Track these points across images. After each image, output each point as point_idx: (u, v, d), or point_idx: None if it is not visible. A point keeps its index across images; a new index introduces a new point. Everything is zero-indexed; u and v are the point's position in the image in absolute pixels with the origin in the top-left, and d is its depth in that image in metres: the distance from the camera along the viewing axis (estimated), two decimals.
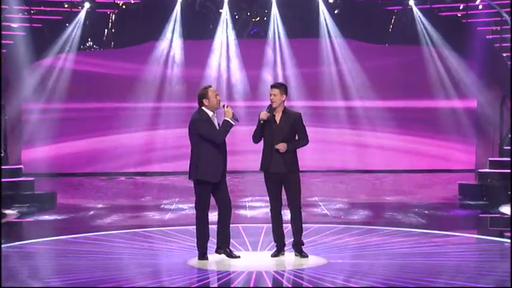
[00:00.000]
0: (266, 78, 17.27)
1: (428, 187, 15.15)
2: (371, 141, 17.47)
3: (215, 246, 7.73)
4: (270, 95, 7.73)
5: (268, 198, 7.80)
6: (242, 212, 11.50)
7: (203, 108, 7.62)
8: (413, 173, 16.94)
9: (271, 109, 7.69)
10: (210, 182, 7.52)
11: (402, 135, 17.44)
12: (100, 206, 12.54)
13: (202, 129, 7.53)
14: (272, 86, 7.81)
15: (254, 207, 12.12)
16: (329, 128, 17.40)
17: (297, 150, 7.79)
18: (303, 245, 7.75)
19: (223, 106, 7.60)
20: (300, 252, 7.71)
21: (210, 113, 7.61)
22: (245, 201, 12.50)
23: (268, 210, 7.89)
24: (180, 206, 12.33)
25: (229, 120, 7.55)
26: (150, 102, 17.39)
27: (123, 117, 17.28)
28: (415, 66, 17.25)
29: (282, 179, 7.69)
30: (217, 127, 7.58)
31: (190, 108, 16.98)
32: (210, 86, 7.72)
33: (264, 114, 7.67)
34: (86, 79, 17.13)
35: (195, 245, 7.65)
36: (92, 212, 11.78)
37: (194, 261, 7.55)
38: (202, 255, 7.60)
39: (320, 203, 12.39)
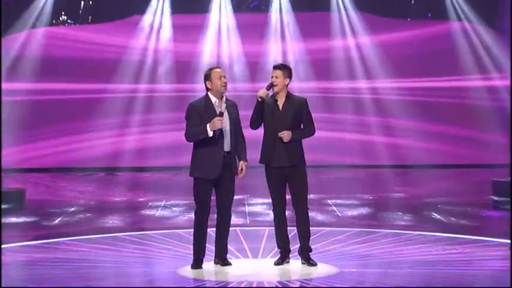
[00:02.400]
0: (267, 59, 17.31)
1: (456, 184, 15.20)
2: (388, 130, 17.53)
3: (213, 255, 7.79)
4: (272, 77, 7.79)
5: (270, 197, 7.83)
6: (240, 213, 11.55)
7: (208, 93, 7.65)
8: (438, 169, 16.99)
9: (272, 87, 7.72)
10: (207, 180, 7.56)
11: (425, 123, 17.49)
12: (76, 206, 12.58)
13: (186, 118, 7.58)
14: (274, 67, 7.86)
15: (254, 207, 12.17)
16: (340, 115, 17.46)
17: (303, 141, 7.83)
18: (311, 251, 7.79)
19: (219, 113, 7.48)
20: (307, 259, 7.75)
21: (214, 99, 7.61)
22: (244, 201, 12.55)
23: (270, 211, 7.93)
24: (169, 206, 12.39)
25: (208, 130, 7.44)
26: (133, 85, 17.45)
27: (102, 102, 17.34)
28: (441, 44, 17.30)
29: (286, 174, 7.73)
30: (223, 118, 7.47)
31: (181, 91, 17.43)
32: (218, 67, 7.71)
33: (263, 92, 7.70)
34: (58, 58, 17.17)
35: (191, 251, 7.69)
36: (66, 213, 11.83)
37: (185, 270, 7.60)
38: (195, 263, 7.64)
39: (330, 203, 12.45)
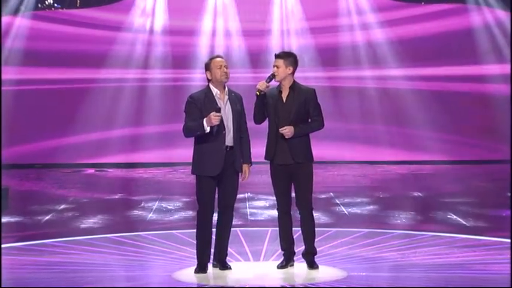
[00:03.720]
0: (270, 43, 17.35)
1: (473, 181, 15.21)
2: (400, 122, 17.56)
3: (211, 257, 7.79)
4: (273, 66, 7.77)
5: (274, 195, 7.85)
6: (241, 212, 11.56)
7: (209, 84, 7.66)
8: (454, 164, 17.01)
9: (273, 78, 7.69)
10: (209, 177, 7.57)
11: (441, 114, 17.50)
12: (63, 205, 12.60)
13: (185, 111, 7.59)
14: (275, 56, 7.80)
15: (255, 206, 12.18)
16: (348, 104, 17.48)
17: (310, 135, 7.81)
18: (315, 254, 7.80)
19: (216, 109, 7.45)
20: (309, 263, 7.75)
21: (215, 91, 7.61)
22: (245, 199, 12.56)
23: (274, 210, 7.93)
24: (164, 205, 12.40)
25: (205, 125, 7.43)
26: (124, 73, 17.47)
27: (91, 92, 17.35)
28: (458, 29, 17.31)
29: (291, 171, 7.73)
30: (220, 114, 7.46)
31: (177, 80, 17.45)
32: (218, 56, 7.68)
33: (261, 84, 7.67)
34: (43, 45, 17.18)
35: (188, 253, 7.70)
36: (53, 213, 11.85)
37: (181, 274, 7.62)
38: (199, 267, 7.63)
39: (338, 201, 12.46)
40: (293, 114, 7.67)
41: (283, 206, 7.78)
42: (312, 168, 7.79)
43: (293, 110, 7.68)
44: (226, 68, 7.62)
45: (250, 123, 7.78)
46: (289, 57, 7.77)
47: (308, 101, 7.72)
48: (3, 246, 9.17)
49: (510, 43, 16.11)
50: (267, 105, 7.73)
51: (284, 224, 7.80)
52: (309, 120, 7.77)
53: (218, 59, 7.66)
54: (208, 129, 7.46)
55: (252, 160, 7.77)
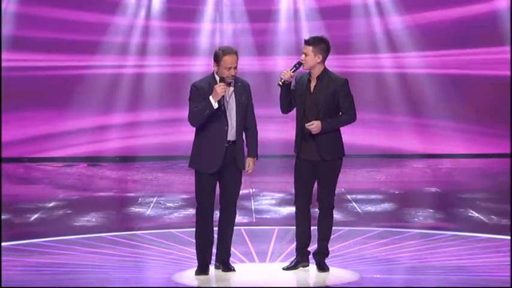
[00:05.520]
0: (281, 28, 17.38)
1: (497, 177, 15.20)
2: (418, 112, 17.56)
3: (213, 258, 7.81)
4: (302, 53, 7.66)
5: (294, 189, 7.78)
6: (246, 210, 11.57)
7: (214, 73, 7.62)
8: (475, 158, 17.00)
9: (297, 68, 7.62)
10: (209, 173, 7.58)
11: (461, 103, 17.50)
12: (53, 202, 12.63)
13: (189, 100, 7.60)
14: (305, 42, 7.68)
15: (262, 203, 12.19)
16: (363, 95, 17.48)
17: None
18: (327, 255, 7.80)
19: (219, 80, 7.46)
20: (318, 263, 7.74)
21: (218, 79, 7.58)
22: (250, 196, 12.57)
23: (281, 207, 7.93)
24: (162, 202, 12.42)
25: (212, 101, 7.44)
26: (120, 60, 17.48)
27: (84, 80, 17.37)
28: (483, 18, 17.33)
29: (316, 168, 7.67)
30: (225, 84, 7.45)
31: (175, 66, 17.45)
32: (231, 53, 7.50)
33: (285, 73, 7.61)
34: (31, 29, 17.18)
35: (187, 254, 7.72)
36: (43, 210, 11.87)
37: (180, 276, 7.64)
38: (200, 269, 7.65)
39: (350, 198, 12.47)
40: (321, 107, 7.58)
41: (301, 203, 7.74)
42: (341, 164, 7.72)
43: (320, 102, 7.59)
44: (235, 70, 7.53)
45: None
46: (319, 43, 7.63)
47: (338, 92, 7.60)
48: None
49: (510, 50, 16.21)
50: (294, 93, 7.67)
51: (302, 221, 7.75)
52: (340, 113, 7.67)
53: (230, 58, 7.50)
54: (216, 105, 7.44)
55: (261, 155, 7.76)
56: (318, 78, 7.62)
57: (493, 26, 17.32)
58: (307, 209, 7.75)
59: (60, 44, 17.24)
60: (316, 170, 7.66)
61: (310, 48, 7.60)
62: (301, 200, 7.74)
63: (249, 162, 7.71)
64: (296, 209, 7.79)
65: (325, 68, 7.66)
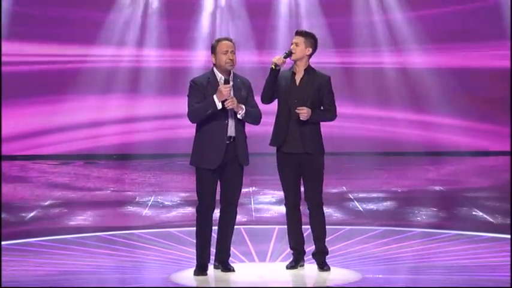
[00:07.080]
0: (279, 24, 17.39)
1: (500, 175, 15.22)
2: (420, 109, 17.57)
3: (212, 258, 7.82)
4: (292, 43, 7.78)
5: (282, 188, 7.86)
6: (245, 208, 11.58)
7: (214, 68, 7.65)
8: (480, 156, 17.00)
9: (287, 55, 7.71)
10: (210, 170, 7.58)
11: (465, 98, 17.51)
12: (49, 201, 12.64)
13: (188, 95, 7.62)
14: (296, 32, 7.86)
15: (261, 202, 12.21)
16: (366, 93, 17.50)
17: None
18: (327, 254, 7.83)
19: (224, 81, 7.47)
20: (320, 263, 7.78)
21: (219, 76, 7.58)
22: (249, 194, 12.58)
23: (281, 206, 7.95)
24: (160, 200, 12.43)
25: (216, 101, 7.46)
26: (117, 50, 17.48)
27: (80, 72, 17.36)
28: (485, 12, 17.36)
29: (300, 162, 7.75)
30: (230, 85, 7.46)
31: (174, 61, 17.44)
32: (227, 39, 7.62)
33: (278, 59, 7.70)
34: (26, 21, 17.18)
35: (186, 253, 7.72)
36: (39, 209, 11.88)
37: (180, 276, 7.65)
38: (199, 269, 7.65)
39: (351, 196, 12.48)
40: (308, 98, 7.71)
41: (291, 200, 7.81)
42: (323, 160, 7.82)
43: (307, 93, 7.71)
44: (233, 54, 7.56)
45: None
46: (311, 37, 7.82)
47: (322, 88, 7.77)
48: None
49: (510, 49, 16.27)
50: (278, 87, 7.76)
51: (292, 220, 7.83)
52: (321, 108, 7.82)
53: (225, 42, 7.60)
54: (220, 105, 7.46)
55: (256, 152, 7.77)
56: (305, 71, 7.77)
57: (497, 19, 17.34)
58: (297, 206, 7.83)
59: (55, 37, 17.23)
60: (301, 166, 7.74)
61: (302, 39, 7.79)
62: (290, 198, 7.81)
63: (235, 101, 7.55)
64: (287, 208, 7.85)
65: (309, 64, 7.82)
